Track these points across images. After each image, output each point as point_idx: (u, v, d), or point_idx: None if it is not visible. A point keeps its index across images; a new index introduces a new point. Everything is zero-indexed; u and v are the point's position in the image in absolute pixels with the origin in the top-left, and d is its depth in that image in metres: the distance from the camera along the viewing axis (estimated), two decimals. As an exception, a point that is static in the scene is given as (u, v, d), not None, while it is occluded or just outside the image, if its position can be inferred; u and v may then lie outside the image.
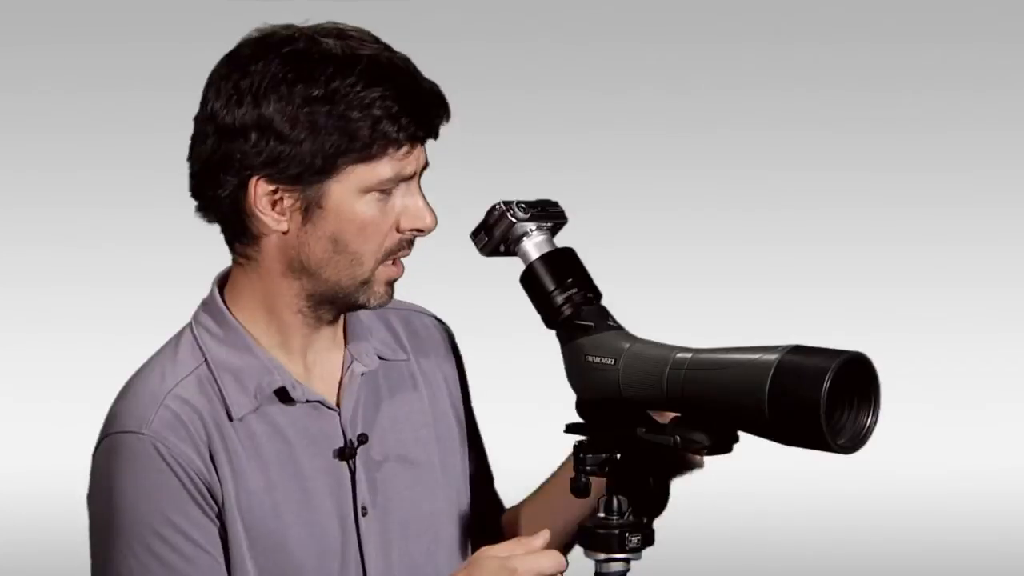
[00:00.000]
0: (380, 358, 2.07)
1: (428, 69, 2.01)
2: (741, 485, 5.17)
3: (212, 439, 1.93)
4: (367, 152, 1.91)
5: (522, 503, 2.22)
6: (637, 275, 5.37)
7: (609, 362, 1.91)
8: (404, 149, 1.93)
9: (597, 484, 1.93)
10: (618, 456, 1.93)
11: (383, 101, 1.90)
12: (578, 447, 1.94)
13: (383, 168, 1.92)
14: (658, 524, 1.95)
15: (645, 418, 1.92)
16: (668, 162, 5.78)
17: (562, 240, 2.04)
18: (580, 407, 1.96)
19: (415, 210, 1.96)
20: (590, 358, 1.93)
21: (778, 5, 5.84)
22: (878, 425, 1.80)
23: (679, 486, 1.98)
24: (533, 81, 5.78)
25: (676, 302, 5.49)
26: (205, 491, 1.92)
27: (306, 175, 1.91)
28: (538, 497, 2.19)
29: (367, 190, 1.92)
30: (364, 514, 2.00)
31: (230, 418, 1.94)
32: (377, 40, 1.96)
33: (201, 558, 1.91)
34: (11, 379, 5.53)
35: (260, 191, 1.92)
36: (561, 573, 1.90)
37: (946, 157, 5.83)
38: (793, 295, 5.63)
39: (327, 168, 1.91)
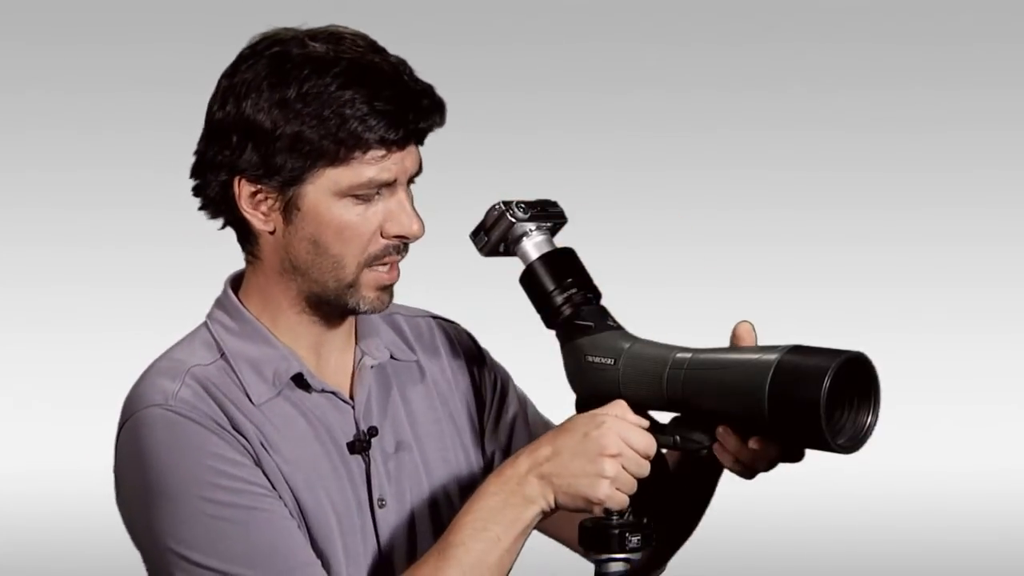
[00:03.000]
0: (392, 357, 2.07)
1: (428, 70, 2.00)
2: (742, 485, 5.16)
3: (235, 418, 1.92)
4: (336, 154, 1.88)
5: None
6: (637, 275, 5.37)
7: (609, 362, 1.91)
8: (379, 153, 1.89)
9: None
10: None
11: (356, 103, 1.87)
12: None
13: (357, 172, 1.89)
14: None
15: (645, 418, 1.91)
16: (668, 162, 5.78)
17: (562, 240, 2.04)
18: (580, 407, 1.96)
19: (399, 216, 1.93)
20: (590, 358, 1.93)
21: (778, 5, 5.84)
22: (878, 425, 1.80)
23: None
24: (533, 81, 5.78)
25: (676, 302, 5.49)
26: (244, 447, 1.90)
27: (281, 176, 1.90)
28: None
29: (341, 194, 1.90)
30: (382, 505, 2.00)
31: (252, 403, 1.94)
32: (373, 44, 1.93)
33: (265, 495, 1.89)
34: (11, 379, 5.53)
35: (244, 192, 1.92)
36: (649, 457, 1.86)
37: (946, 157, 5.84)
38: (793, 295, 5.64)
39: (300, 170, 1.89)
